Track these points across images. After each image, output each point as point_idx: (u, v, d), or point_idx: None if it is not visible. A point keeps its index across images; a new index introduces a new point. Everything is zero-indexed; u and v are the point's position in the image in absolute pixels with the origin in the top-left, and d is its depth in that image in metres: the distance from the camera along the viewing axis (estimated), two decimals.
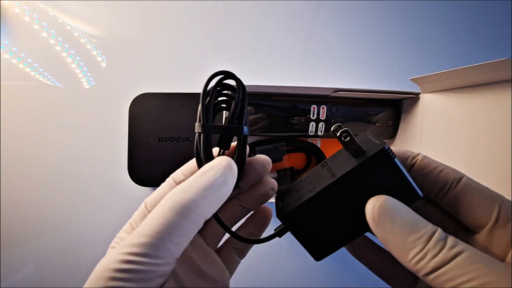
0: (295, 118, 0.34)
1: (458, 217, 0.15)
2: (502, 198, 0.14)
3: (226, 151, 0.18)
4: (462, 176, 0.15)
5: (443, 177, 0.15)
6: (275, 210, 0.18)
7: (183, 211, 0.14)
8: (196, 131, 0.17)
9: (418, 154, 0.16)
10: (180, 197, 0.14)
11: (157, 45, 0.39)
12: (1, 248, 0.37)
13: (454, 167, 0.15)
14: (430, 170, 0.15)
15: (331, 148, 0.37)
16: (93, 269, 0.13)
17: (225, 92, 0.18)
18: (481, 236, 0.14)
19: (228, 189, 0.15)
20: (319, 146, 0.37)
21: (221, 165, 0.16)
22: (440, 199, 0.16)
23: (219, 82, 0.17)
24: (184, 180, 0.16)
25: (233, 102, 0.17)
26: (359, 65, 0.39)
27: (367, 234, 0.16)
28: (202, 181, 0.15)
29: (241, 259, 0.21)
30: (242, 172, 0.18)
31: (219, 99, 0.18)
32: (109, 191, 0.38)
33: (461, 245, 0.12)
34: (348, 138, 0.15)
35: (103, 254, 0.14)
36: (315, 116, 0.34)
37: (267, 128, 0.34)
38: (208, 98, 0.17)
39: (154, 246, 0.13)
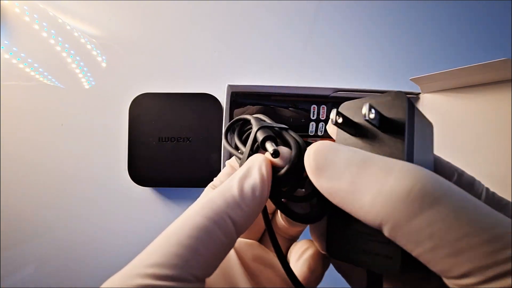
0: (294, 118, 0.34)
1: None
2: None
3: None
4: None
5: None
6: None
7: (205, 212, 0.11)
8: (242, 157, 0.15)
9: None
10: (201, 199, 0.12)
11: (157, 45, 0.39)
12: (1, 248, 0.37)
13: None
14: None
15: None
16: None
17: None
18: None
19: (256, 183, 0.12)
20: None
21: (251, 160, 0.13)
22: None
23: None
24: None
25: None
26: (359, 65, 0.39)
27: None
28: (227, 182, 0.12)
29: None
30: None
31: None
32: (109, 191, 0.38)
33: None
34: (373, 114, 0.11)
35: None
36: (315, 116, 0.34)
37: None
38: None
39: (171, 266, 0.10)
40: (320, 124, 0.34)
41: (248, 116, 0.17)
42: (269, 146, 0.14)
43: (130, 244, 0.36)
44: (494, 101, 0.25)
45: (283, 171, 0.13)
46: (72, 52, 0.38)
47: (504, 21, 0.38)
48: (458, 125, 0.28)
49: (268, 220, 0.14)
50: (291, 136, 0.15)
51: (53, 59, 0.38)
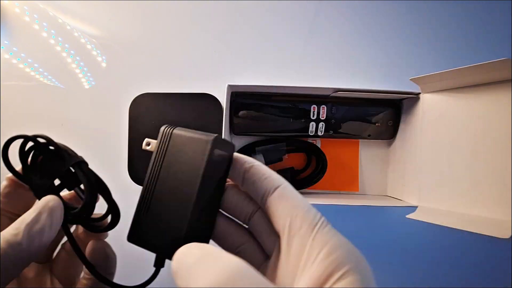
0: (295, 118, 0.34)
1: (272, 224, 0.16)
2: (305, 207, 0.14)
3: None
4: (281, 184, 0.15)
5: (266, 184, 0.16)
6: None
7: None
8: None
9: (251, 165, 0.16)
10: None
11: (157, 45, 0.39)
12: None
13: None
14: (258, 178, 0.16)
15: (331, 148, 0.37)
16: None
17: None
18: (282, 243, 0.14)
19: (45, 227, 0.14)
20: (319, 146, 0.37)
21: (42, 205, 0.15)
22: (262, 205, 0.16)
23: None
24: None
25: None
26: (359, 65, 0.39)
27: None
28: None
29: None
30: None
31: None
32: None
33: None
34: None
35: None
36: (315, 116, 0.34)
37: (267, 128, 0.34)
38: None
39: None
40: (320, 124, 0.34)
41: (31, 135, 0.17)
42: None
43: (130, 244, 0.36)
44: (494, 101, 0.25)
45: (76, 211, 0.16)
46: (72, 52, 0.38)
47: (504, 21, 0.38)
48: (458, 125, 0.28)
49: (69, 232, 0.17)
50: (83, 176, 0.16)
51: (53, 59, 0.38)
